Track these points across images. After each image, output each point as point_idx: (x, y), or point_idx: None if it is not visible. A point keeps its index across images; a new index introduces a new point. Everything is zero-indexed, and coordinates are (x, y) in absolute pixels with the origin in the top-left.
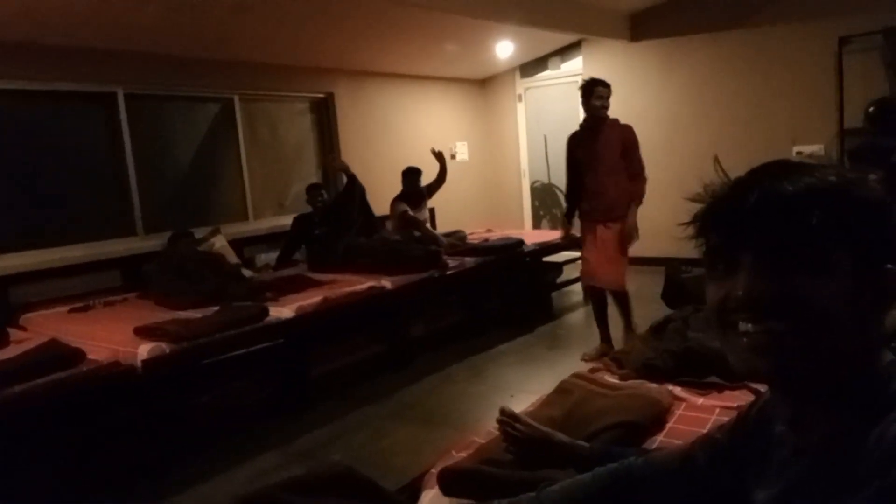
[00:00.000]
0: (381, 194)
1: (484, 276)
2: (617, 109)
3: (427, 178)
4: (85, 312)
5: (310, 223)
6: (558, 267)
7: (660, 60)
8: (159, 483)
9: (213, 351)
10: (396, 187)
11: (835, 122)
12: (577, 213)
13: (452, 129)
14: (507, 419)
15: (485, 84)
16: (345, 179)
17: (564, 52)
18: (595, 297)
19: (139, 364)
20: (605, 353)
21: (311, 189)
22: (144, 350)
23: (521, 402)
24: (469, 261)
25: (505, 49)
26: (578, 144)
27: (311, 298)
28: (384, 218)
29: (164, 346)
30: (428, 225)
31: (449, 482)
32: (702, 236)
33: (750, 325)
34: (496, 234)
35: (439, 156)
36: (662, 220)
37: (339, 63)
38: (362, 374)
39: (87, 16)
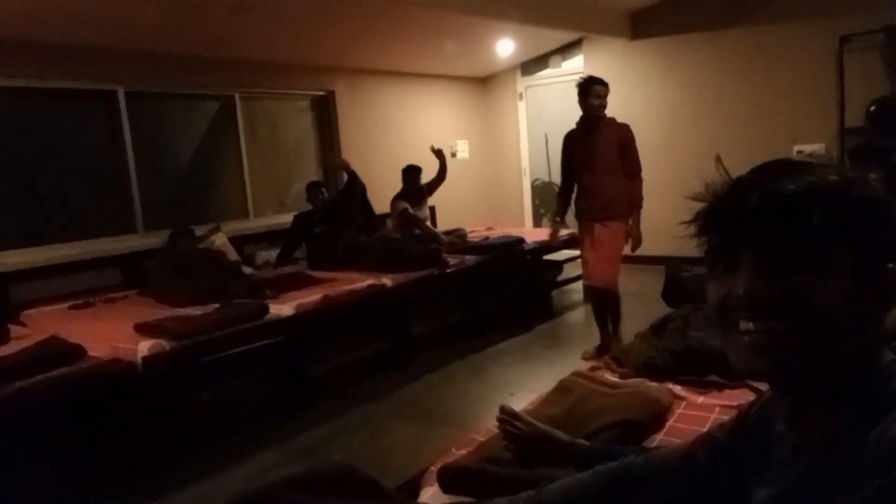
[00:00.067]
0: (382, 192)
1: (484, 274)
2: (617, 108)
3: (427, 176)
4: (85, 309)
5: (310, 221)
6: (558, 265)
7: (660, 59)
8: (159, 481)
9: (213, 348)
10: (397, 185)
11: (835, 121)
12: (567, 211)
13: (453, 128)
14: (507, 417)
15: (485, 82)
16: (345, 177)
17: (565, 50)
18: (595, 296)
19: (139, 361)
20: (605, 351)
21: (312, 187)
22: (145, 347)
23: (521, 401)
24: (469, 259)
25: (505, 47)
26: (575, 143)
27: (311, 296)
28: (384, 216)
29: (165, 344)
30: (428, 223)
31: (449, 480)
32: (703, 235)
33: (750, 324)
34: (497, 233)
35: (439, 153)
36: (662, 219)
37: (339, 61)
38: (362, 372)
39: (88, 15)
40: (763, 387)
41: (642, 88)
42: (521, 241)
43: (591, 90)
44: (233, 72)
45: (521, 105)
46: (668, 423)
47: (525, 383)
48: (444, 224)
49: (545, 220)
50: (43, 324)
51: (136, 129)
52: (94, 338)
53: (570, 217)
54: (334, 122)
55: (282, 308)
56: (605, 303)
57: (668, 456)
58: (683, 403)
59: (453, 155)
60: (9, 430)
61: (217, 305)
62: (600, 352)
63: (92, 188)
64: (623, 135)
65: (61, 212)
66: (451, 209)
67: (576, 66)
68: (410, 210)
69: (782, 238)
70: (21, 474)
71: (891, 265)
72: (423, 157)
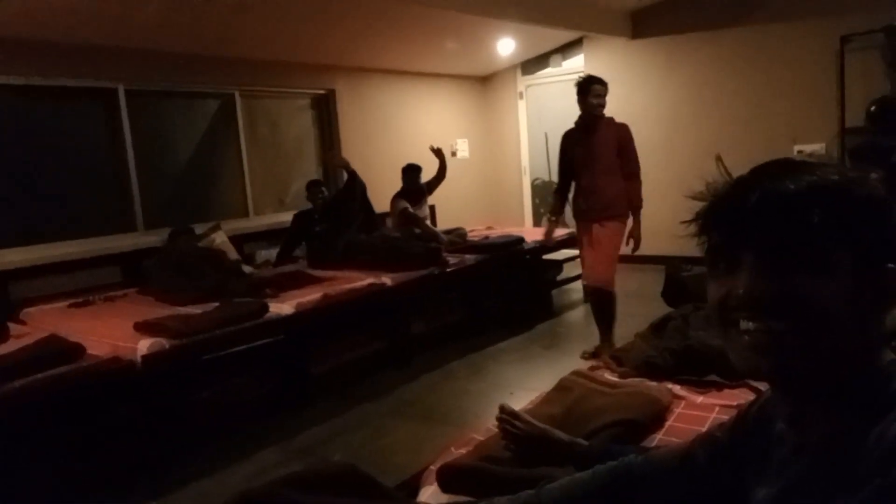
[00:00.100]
0: (382, 191)
1: (484, 273)
2: (618, 107)
3: (427, 175)
4: (85, 308)
5: (310, 220)
6: (558, 265)
7: (661, 58)
8: (159, 480)
9: (212, 347)
10: (397, 184)
11: (836, 121)
12: (563, 211)
13: (453, 126)
14: (507, 417)
15: (486, 81)
16: (345, 176)
17: (566, 49)
18: (594, 296)
19: (139, 360)
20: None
21: (311, 186)
22: (144, 346)
23: (521, 400)
24: (469, 258)
25: (506, 46)
26: (574, 142)
27: (311, 295)
28: (384, 215)
29: (164, 342)
30: (428, 222)
31: (448, 479)
32: (703, 235)
33: (751, 324)
34: (496, 232)
35: (438, 152)
36: (663, 218)
37: (340, 59)
38: (362, 372)
39: (88, 13)
40: (763, 386)
41: (643, 88)
42: (520, 240)
43: (590, 89)
44: (233, 70)
45: (522, 104)
46: (668, 423)
47: (525, 382)
48: (443, 223)
49: (545, 220)
50: (42, 322)
51: (136, 127)
52: (93, 336)
53: (570, 217)
54: (334, 121)
55: (281, 307)
56: (601, 302)
57: (667, 455)
58: (683, 403)
59: (453, 154)
60: (8, 429)
61: (217, 304)
62: (600, 351)
63: (92, 186)
64: (621, 134)
65: (61, 210)
66: (451, 208)
67: (576, 66)
68: (410, 209)
69: (783, 238)
70: (20, 473)
71: (891, 265)
72: (423, 155)
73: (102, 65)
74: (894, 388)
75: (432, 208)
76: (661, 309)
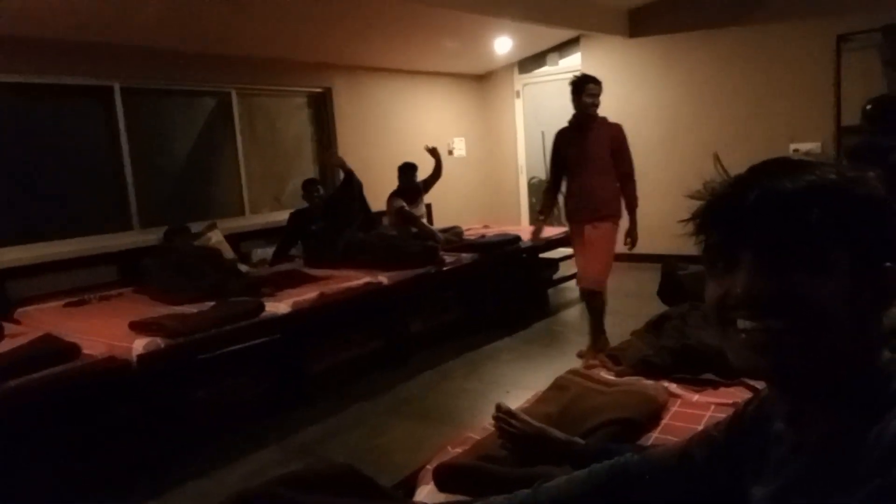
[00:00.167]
0: (378, 189)
1: (481, 272)
2: (615, 106)
3: (423, 174)
4: (80, 307)
5: (306, 218)
6: (555, 263)
7: (658, 57)
8: (156, 479)
9: (209, 346)
10: (394, 183)
11: (832, 120)
12: (553, 210)
13: (450, 125)
14: (503, 415)
15: (483, 80)
16: (341, 175)
17: (563, 48)
18: (586, 297)
19: (134, 359)
20: (602, 349)
21: (308, 184)
22: (140, 345)
23: (517, 399)
24: (466, 257)
25: (503, 45)
26: (567, 142)
27: (308, 294)
28: (380, 213)
29: (160, 341)
30: (424, 220)
31: (445, 478)
32: (701, 234)
33: (749, 323)
34: (493, 231)
35: (433, 151)
36: (660, 217)
37: (337, 58)
38: (359, 371)
39: (84, 11)
40: (759, 385)
41: (640, 87)
42: (517, 239)
43: (584, 88)
44: (229, 68)
45: (519, 103)
46: (664, 422)
47: (521, 381)
48: (440, 222)
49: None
50: (38, 321)
51: (131, 125)
52: (89, 336)
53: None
54: (331, 120)
55: (278, 306)
56: (591, 304)
57: (664, 454)
58: (679, 401)
59: (450, 152)
60: (3, 429)
61: (213, 303)
62: (598, 348)
63: (87, 185)
64: (615, 135)
65: (56, 208)
66: (447, 207)
67: (573, 64)
68: (407, 208)
69: (781, 237)
70: (16, 474)
71: (889, 264)
72: (419, 154)
73: (98, 63)
74: (893, 388)
75: (429, 207)
76: (658, 307)
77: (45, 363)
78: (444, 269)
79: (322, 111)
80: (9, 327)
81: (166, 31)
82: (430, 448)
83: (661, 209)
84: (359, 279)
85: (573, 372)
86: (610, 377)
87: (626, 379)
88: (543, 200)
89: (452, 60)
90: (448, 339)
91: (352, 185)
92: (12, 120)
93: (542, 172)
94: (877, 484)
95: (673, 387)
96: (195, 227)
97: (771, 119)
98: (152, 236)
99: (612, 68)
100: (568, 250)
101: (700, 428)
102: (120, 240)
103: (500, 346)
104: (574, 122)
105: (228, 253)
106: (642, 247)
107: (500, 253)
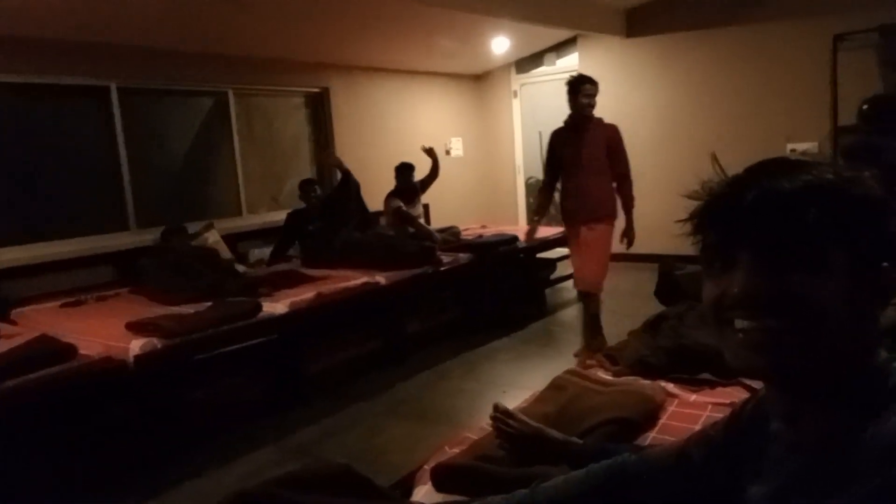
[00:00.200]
0: (375, 189)
1: (478, 272)
2: (612, 106)
3: (420, 174)
4: (77, 307)
5: (304, 219)
6: (552, 263)
7: (655, 57)
8: (153, 480)
9: (205, 347)
10: (391, 183)
11: (829, 120)
12: (547, 211)
13: (447, 125)
14: (501, 415)
15: (480, 80)
16: (339, 175)
17: (560, 48)
18: (582, 299)
19: (131, 359)
20: (599, 349)
21: (304, 184)
22: (136, 345)
23: (515, 399)
24: (463, 257)
25: (500, 45)
26: (562, 142)
27: (305, 294)
28: (377, 213)
29: (157, 342)
30: (421, 220)
31: (442, 478)
32: (699, 233)
33: (746, 323)
34: (490, 231)
35: (430, 152)
36: (657, 216)
37: (334, 58)
38: (356, 371)
39: (80, 10)
40: (756, 384)
41: (637, 86)
42: (514, 238)
43: (580, 89)
44: (227, 68)
45: (516, 103)
46: (661, 421)
47: (518, 381)
48: (437, 222)
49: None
50: (34, 322)
51: (128, 125)
52: (85, 336)
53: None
54: (328, 119)
55: (275, 306)
56: (586, 306)
57: (662, 454)
58: (676, 401)
59: (447, 152)
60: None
61: (210, 303)
62: (593, 350)
63: (84, 185)
64: (611, 136)
65: (53, 209)
66: (444, 207)
67: (570, 64)
68: (404, 208)
69: (779, 236)
70: (12, 474)
71: (886, 264)
72: (417, 154)
73: (95, 62)
74: (890, 387)
75: (426, 207)
76: (655, 307)
77: (41, 364)
78: (442, 269)
79: (319, 111)
80: (5, 328)
81: (163, 31)
82: (427, 448)
83: (658, 209)
84: (356, 279)
85: (571, 372)
86: (607, 377)
87: (624, 379)
88: (538, 201)
89: (450, 60)
90: (445, 339)
91: (349, 185)
92: (9, 120)
93: (539, 172)
94: (875, 483)
95: (670, 387)
96: (192, 228)
97: (767, 119)
98: (149, 236)
99: (609, 68)
100: (565, 250)
101: (697, 428)
102: (117, 240)
103: (498, 345)
104: (570, 122)
105: (225, 253)
106: (640, 246)
107: (498, 253)
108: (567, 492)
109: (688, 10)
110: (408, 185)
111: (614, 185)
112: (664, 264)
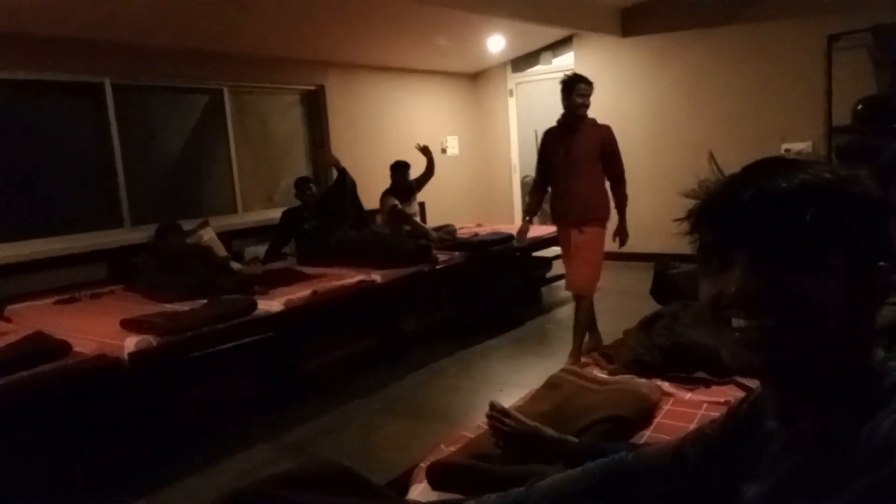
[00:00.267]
0: (371, 188)
1: (474, 270)
2: (608, 105)
3: (415, 172)
4: (71, 304)
5: (299, 217)
6: (548, 262)
7: (651, 56)
8: (148, 478)
9: (200, 344)
10: (386, 181)
11: (823, 119)
12: (538, 211)
13: (443, 123)
14: (497, 414)
15: (476, 78)
16: (334, 173)
17: (556, 47)
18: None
19: (126, 357)
20: (594, 348)
21: (300, 183)
22: (131, 343)
23: (511, 397)
24: (459, 255)
25: (496, 43)
26: (555, 142)
27: (301, 292)
28: (373, 212)
29: (152, 339)
30: (417, 219)
31: (438, 476)
32: (695, 232)
33: (743, 321)
34: (486, 229)
35: (425, 150)
36: (652, 215)
37: (329, 55)
38: (352, 369)
39: (75, 6)
40: (751, 383)
41: (633, 86)
42: (510, 237)
43: (574, 88)
44: (222, 65)
45: (512, 101)
46: (657, 420)
47: (514, 379)
48: (433, 220)
49: (535, 217)
50: (28, 319)
51: (123, 122)
52: (79, 333)
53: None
54: (324, 117)
55: (270, 304)
56: (578, 308)
57: (658, 453)
58: (671, 400)
59: (443, 151)
60: None
61: (205, 301)
62: (589, 349)
63: (78, 182)
64: (604, 136)
65: (47, 205)
66: (440, 205)
67: (566, 63)
68: (400, 206)
69: (776, 236)
70: (6, 471)
71: (883, 263)
72: (412, 152)
73: (89, 59)
74: (886, 386)
75: (422, 205)
76: (651, 306)
77: (35, 361)
78: (437, 267)
79: (315, 109)
80: None
81: (158, 28)
82: (423, 446)
83: (653, 208)
84: (352, 277)
85: (566, 370)
86: (603, 375)
87: (619, 377)
88: (530, 201)
89: (446, 59)
90: (441, 337)
91: (345, 184)
92: (2, 116)
93: (534, 171)
94: (869, 481)
95: (665, 385)
96: (187, 225)
97: (762, 119)
98: (143, 234)
99: (604, 67)
100: (559, 249)
101: (693, 426)
102: (111, 237)
103: (494, 344)
104: (562, 121)
105: (220, 251)
106: (635, 245)
107: (493, 251)
108: (563, 490)
109: (684, 10)
110: (403, 183)
111: (608, 186)
112: (660, 263)
